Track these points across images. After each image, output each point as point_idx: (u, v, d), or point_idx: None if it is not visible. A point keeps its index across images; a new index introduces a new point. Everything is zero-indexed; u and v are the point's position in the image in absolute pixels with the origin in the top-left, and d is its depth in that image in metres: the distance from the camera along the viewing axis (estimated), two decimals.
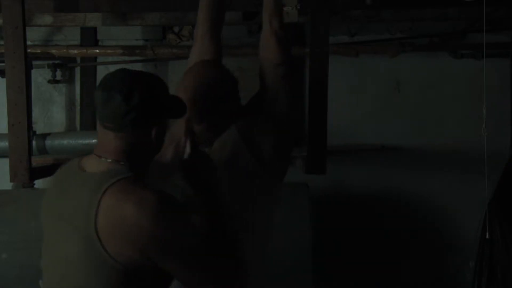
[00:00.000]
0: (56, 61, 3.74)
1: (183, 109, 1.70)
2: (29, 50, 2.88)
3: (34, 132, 3.47)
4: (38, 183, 2.96)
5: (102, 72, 3.82)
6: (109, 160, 1.60)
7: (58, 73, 3.76)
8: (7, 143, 2.73)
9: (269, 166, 1.94)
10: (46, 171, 3.11)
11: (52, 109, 3.84)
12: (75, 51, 3.73)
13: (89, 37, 3.76)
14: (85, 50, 3.72)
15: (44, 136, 3.55)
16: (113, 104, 1.55)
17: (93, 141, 3.46)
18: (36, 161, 3.14)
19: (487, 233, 3.32)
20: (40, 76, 3.79)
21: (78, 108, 3.82)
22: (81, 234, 1.54)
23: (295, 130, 2.08)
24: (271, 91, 1.96)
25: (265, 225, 1.99)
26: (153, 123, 1.61)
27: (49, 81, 3.73)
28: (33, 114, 3.62)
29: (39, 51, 3.67)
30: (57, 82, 3.77)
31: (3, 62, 2.79)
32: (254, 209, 1.94)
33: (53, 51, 3.69)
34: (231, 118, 1.96)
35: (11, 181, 2.72)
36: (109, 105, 1.56)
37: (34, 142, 3.43)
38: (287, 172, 2.07)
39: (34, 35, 3.67)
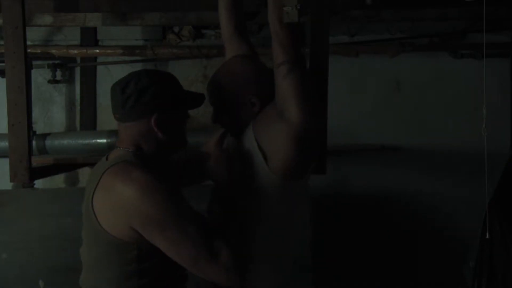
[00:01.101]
0: (56, 61, 3.74)
1: (194, 101, 1.81)
2: (29, 50, 2.87)
3: (34, 132, 3.47)
4: (38, 183, 2.96)
5: (102, 72, 3.83)
6: (121, 149, 1.77)
7: (58, 73, 3.77)
8: (7, 143, 2.73)
9: (282, 171, 1.84)
10: (46, 171, 3.11)
11: (52, 109, 3.85)
12: (75, 51, 3.73)
13: (89, 37, 3.77)
14: (85, 50, 3.72)
15: (44, 136, 3.55)
16: (115, 97, 1.75)
17: (93, 141, 3.46)
18: (36, 161, 3.14)
19: (487, 233, 3.32)
20: (40, 76, 3.79)
21: (78, 108, 3.82)
22: (87, 212, 1.72)
23: (313, 136, 1.91)
24: (278, 94, 1.85)
25: (273, 228, 1.94)
26: (151, 111, 1.72)
27: (49, 81, 3.73)
28: (33, 114, 3.63)
29: (39, 51, 3.67)
30: (57, 82, 3.77)
31: (3, 62, 2.78)
32: (262, 211, 1.90)
33: (53, 51, 3.69)
34: (248, 116, 1.94)
35: (11, 181, 2.72)
36: (113, 98, 1.76)
37: (34, 142, 3.44)
38: (306, 176, 1.97)
39: (34, 35, 3.67)
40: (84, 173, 3.85)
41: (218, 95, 1.95)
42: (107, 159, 1.79)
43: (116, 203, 1.64)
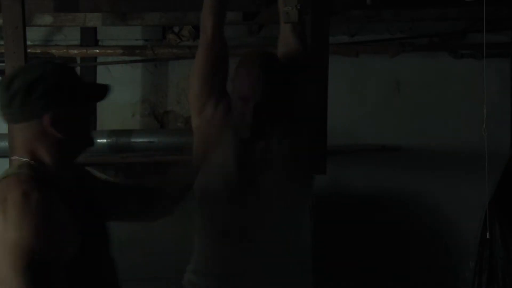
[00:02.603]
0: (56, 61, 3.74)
1: (96, 94, 1.61)
2: (29, 50, 2.87)
3: None
4: None
5: (102, 72, 3.83)
6: (16, 158, 1.53)
7: None
8: (7, 143, 2.73)
9: (304, 168, 2.00)
10: None
11: None
12: (75, 51, 3.72)
13: (89, 37, 3.76)
14: (85, 50, 3.72)
15: None
16: (0, 94, 1.51)
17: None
18: None
19: (487, 233, 3.32)
20: None
21: None
22: None
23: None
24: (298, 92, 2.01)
25: (300, 226, 2.07)
26: (44, 109, 1.48)
27: None
28: None
29: (39, 51, 3.67)
30: None
31: (3, 62, 2.78)
32: (297, 210, 2.02)
33: (53, 51, 3.68)
34: (282, 112, 1.98)
35: None
36: None
37: None
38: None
39: (34, 35, 3.67)
40: None
41: (269, 87, 1.91)
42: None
43: None
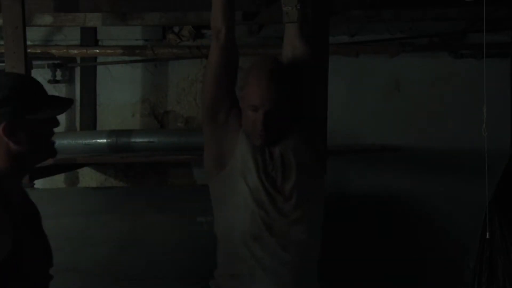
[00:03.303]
0: (56, 61, 3.74)
1: (56, 106, 1.59)
2: (29, 50, 2.88)
3: None
4: (38, 183, 2.96)
5: (102, 72, 3.83)
6: None
7: (58, 73, 3.77)
8: None
9: (321, 169, 2.07)
10: (46, 171, 3.11)
11: None
12: (75, 51, 3.73)
13: (89, 37, 3.77)
14: (85, 50, 3.72)
15: None
16: None
17: (93, 141, 3.46)
18: None
19: (487, 233, 3.32)
20: (40, 76, 3.78)
21: (78, 108, 3.82)
22: None
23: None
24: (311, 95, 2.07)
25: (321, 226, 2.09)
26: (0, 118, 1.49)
27: (49, 81, 3.73)
28: None
29: (39, 51, 3.67)
30: (57, 82, 3.77)
31: (3, 62, 2.78)
32: (320, 210, 2.07)
33: (53, 51, 3.69)
34: (294, 117, 2.02)
35: None
36: None
37: None
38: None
39: (34, 35, 3.67)
40: (84, 173, 3.85)
41: (281, 96, 1.94)
42: None
43: None
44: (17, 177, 1.59)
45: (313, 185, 2.03)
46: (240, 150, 1.99)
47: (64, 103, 1.61)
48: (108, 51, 3.72)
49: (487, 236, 3.39)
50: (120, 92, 3.85)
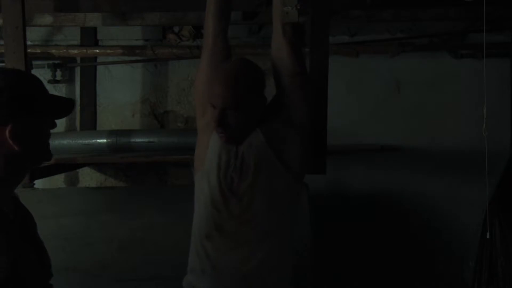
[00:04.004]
0: (56, 61, 3.74)
1: (60, 108, 1.55)
2: (29, 50, 2.88)
3: None
4: (38, 183, 2.96)
5: (102, 72, 3.83)
6: None
7: (58, 73, 3.77)
8: None
9: (292, 170, 2.02)
10: (46, 171, 3.11)
11: None
12: (75, 51, 3.73)
13: (89, 37, 3.77)
14: (85, 50, 3.72)
15: None
16: None
17: (93, 141, 3.46)
18: None
19: (487, 233, 3.32)
20: (40, 76, 3.78)
21: (78, 108, 3.82)
22: None
23: (315, 138, 2.15)
24: (290, 100, 2.03)
25: (288, 226, 2.07)
26: (6, 119, 1.42)
27: (49, 81, 3.73)
28: None
29: (39, 51, 3.67)
30: (57, 82, 3.77)
31: (3, 62, 2.78)
32: (280, 211, 2.03)
33: (53, 51, 3.69)
34: (257, 118, 2.02)
35: None
36: None
37: None
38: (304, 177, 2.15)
39: (34, 35, 3.67)
40: (84, 173, 3.85)
41: (237, 95, 1.95)
42: None
43: None
44: (12, 183, 1.51)
45: (276, 186, 2.01)
46: (211, 149, 2.04)
47: (66, 104, 1.56)
48: (108, 51, 3.72)
49: (487, 236, 3.39)
50: (120, 92, 3.85)
